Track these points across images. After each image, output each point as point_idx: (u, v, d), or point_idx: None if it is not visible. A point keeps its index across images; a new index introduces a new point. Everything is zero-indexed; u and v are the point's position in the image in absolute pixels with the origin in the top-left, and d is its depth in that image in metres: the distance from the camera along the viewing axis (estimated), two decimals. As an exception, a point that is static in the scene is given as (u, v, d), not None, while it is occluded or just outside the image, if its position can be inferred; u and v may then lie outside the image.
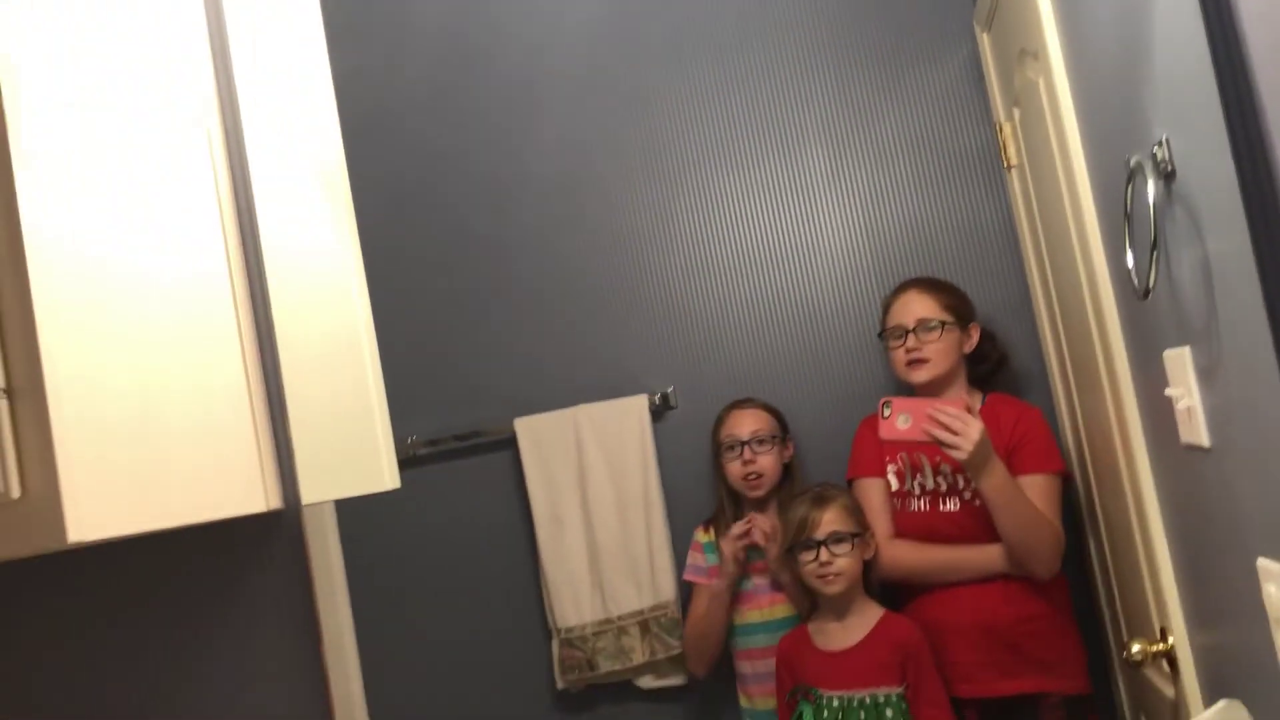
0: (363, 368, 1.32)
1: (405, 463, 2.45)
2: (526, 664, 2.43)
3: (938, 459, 2.03)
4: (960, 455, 1.83)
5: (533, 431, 2.42)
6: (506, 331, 2.49)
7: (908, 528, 2.08)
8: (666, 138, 2.47)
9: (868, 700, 1.90)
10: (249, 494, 1.22)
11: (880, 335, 2.18)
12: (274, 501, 1.25)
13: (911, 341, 2.08)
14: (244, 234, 1.32)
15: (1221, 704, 1.02)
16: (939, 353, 2.07)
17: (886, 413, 1.88)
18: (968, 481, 2.01)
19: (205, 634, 1.37)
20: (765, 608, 2.18)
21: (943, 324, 2.08)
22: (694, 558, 2.28)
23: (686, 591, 2.29)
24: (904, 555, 2.06)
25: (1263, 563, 1.12)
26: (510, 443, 2.44)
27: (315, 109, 1.32)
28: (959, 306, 2.13)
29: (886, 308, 2.18)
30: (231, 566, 1.37)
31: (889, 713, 1.89)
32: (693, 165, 2.46)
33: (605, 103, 2.49)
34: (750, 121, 2.45)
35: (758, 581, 2.19)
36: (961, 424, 1.83)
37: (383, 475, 1.34)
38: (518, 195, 2.50)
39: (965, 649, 1.99)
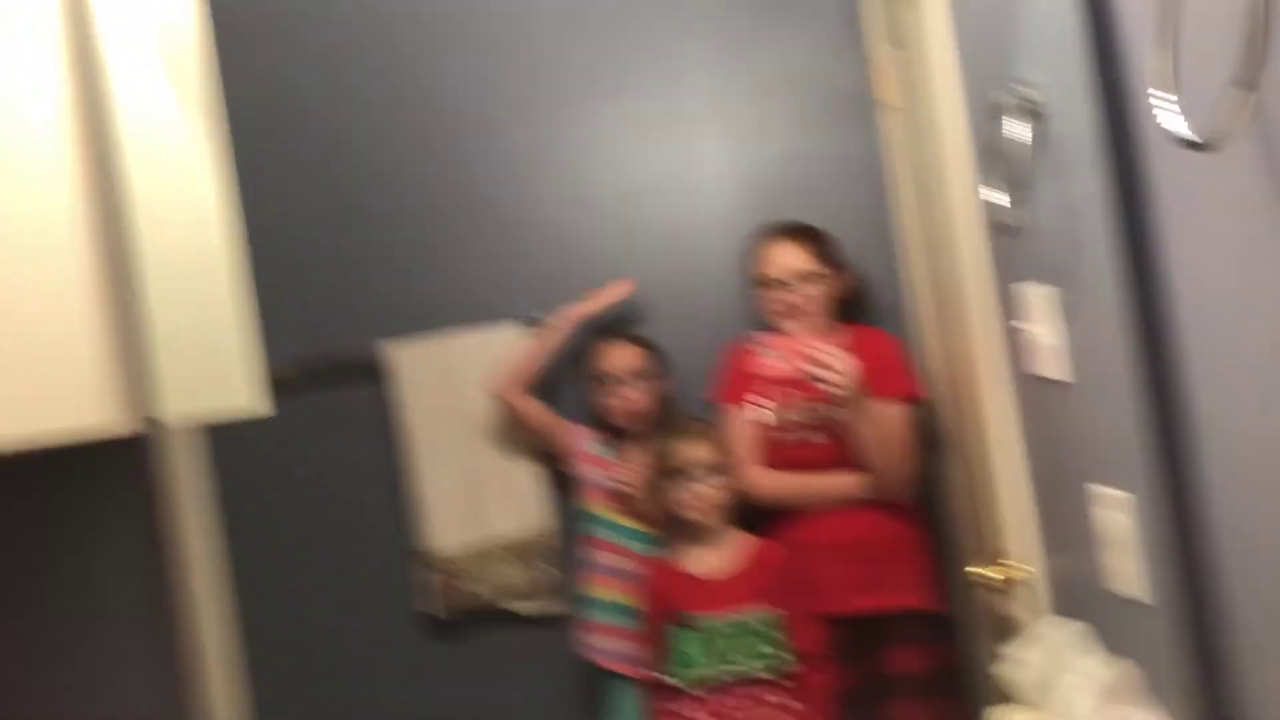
0: (227, 285, 1.27)
1: (277, 388, 2.39)
2: (403, 593, 2.41)
3: (803, 393, 2.09)
4: (835, 390, 1.88)
5: (406, 357, 2.38)
6: (382, 257, 2.42)
7: (773, 458, 2.13)
8: (547, 62, 2.42)
9: (750, 621, 1.95)
10: (100, 412, 1.15)
11: (751, 280, 2.20)
12: (131, 422, 1.19)
13: (784, 293, 2.11)
14: (95, 127, 1.22)
15: (1063, 622, 1.08)
16: (811, 301, 2.12)
17: (760, 350, 1.91)
18: (831, 416, 2.07)
19: (52, 554, 1.31)
20: (625, 515, 2.22)
21: (816, 275, 2.12)
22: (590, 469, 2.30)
23: (566, 516, 2.32)
24: (771, 482, 2.12)
25: (1107, 491, 1.18)
26: (383, 369, 2.39)
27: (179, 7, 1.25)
28: (827, 254, 2.16)
29: (755, 254, 2.19)
30: (86, 492, 1.31)
31: (771, 631, 1.95)
32: (572, 91, 2.42)
33: (480, 23, 2.43)
34: (630, 53, 2.42)
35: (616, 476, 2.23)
36: (837, 361, 1.88)
37: (249, 398, 1.30)
38: (397, 118, 2.43)
39: (828, 568, 2.07)
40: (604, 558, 2.24)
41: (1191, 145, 0.72)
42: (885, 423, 2.00)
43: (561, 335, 2.24)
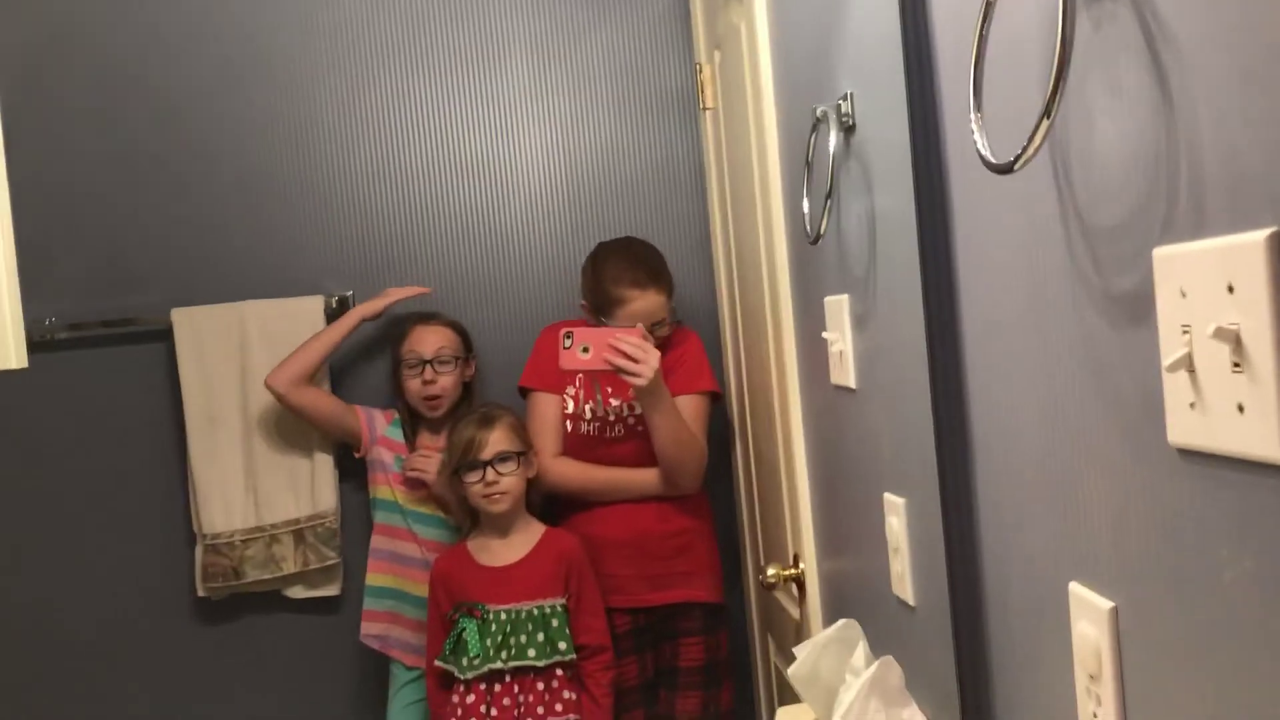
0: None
1: (42, 346, 2.23)
2: (167, 570, 2.28)
3: (609, 388, 2.10)
4: (640, 383, 1.91)
5: (192, 324, 2.25)
6: (173, 215, 2.30)
7: (574, 449, 2.13)
8: (358, 28, 2.34)
9: (535, 611, 1.94)
10: None
11: (599, 317, 2.09)
12: None
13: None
14: None
15: (840, 623, 1.11)
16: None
17: (568, 343, 1.91)
18: (632, 409, 2.09)
19: None
20: (417, 499, 2.20)
21: (665, 318, 2.09)
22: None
23: (353, 499, 2.23)
24: (568, 472, 2.12)
25: (888, 497, 1.23)
26: (165, 334, 2.26)
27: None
28: (670, 288, 2.13)
29: (618, 301, 2.06)
30: None
31: (555, 622, 1.94)
32: (387, 61, 2.35)
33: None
34: (452, 23, 2.37)
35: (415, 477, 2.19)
36: (642, 353, 1.90)
37: (7, 351, 1.19)
38: (195, 66, 2.30)
39: (619, 563, 2.10)
40: (385, 543, 2.19)
41: (994, 168, 0.75)
42: (679, 417, 2.03)
43: (345, 330, 2.18)
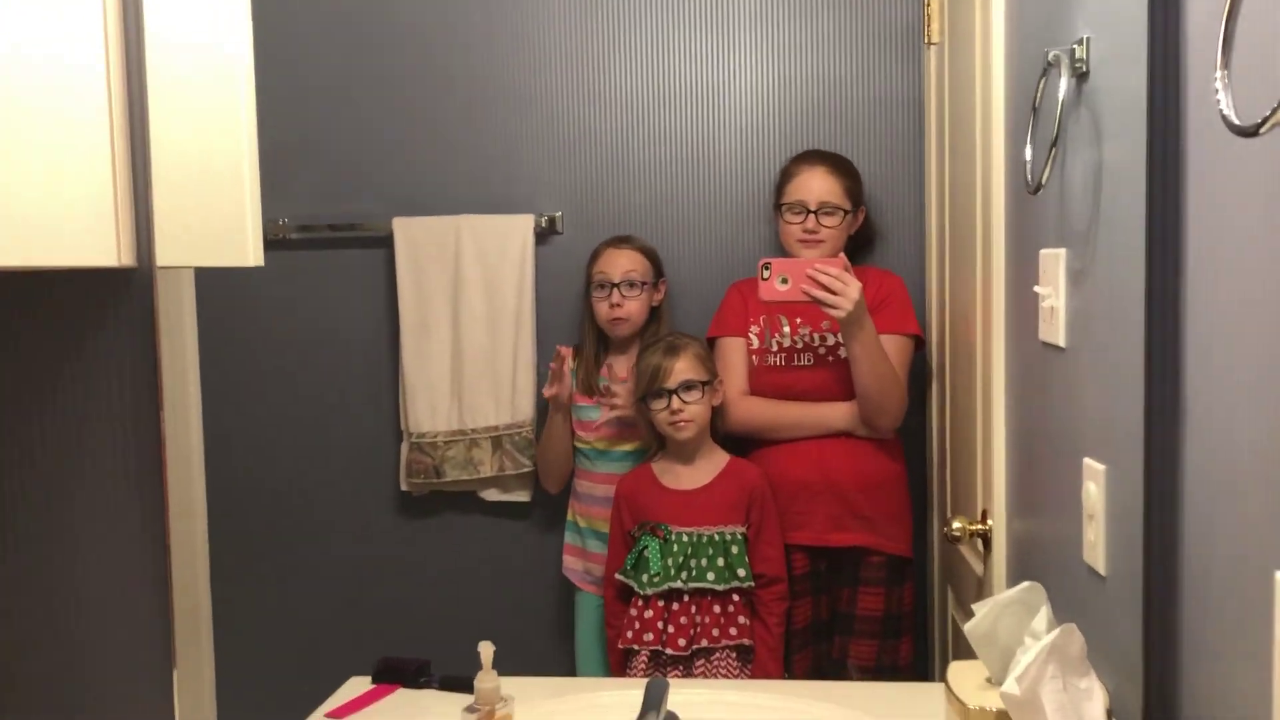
0: (238, 131, 1.25)
1: (274, 244, 2.39)
2: (374, 464, 2.43)
3: (798, 320, 2.08)
4: (839, 314, 1.89)
5: (411, 233, 2.36)
6: (399, 128, 2.40)
7: (764, 383, 2.13)
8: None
9: (715, 537, 1.98)
10: (99, 244, 1.14)
11: (776, 205, 2.18)
12: (126, 257, 1.18)
13: (811, 223, 2.09)
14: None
15: (1024, 585, 1.09)
16: (833, 236, 2.10)
17: (766, 274, 1.90)
18: (823, 339, 2.07)
19: (43, 384, 1.32)
20: (612, 439, 2.22)
21: (844, 211, 2.10)
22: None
23: (545, 405, 2.32)
24: (755, 408, 2.13)
25: (1087, 461, 1.19)
26: (386, 241, 2.38)
27: None
28: (857, 191, 2.15)
29: (788, 177, 2.16)
30: (78, 321, 1.30)
31: (734, 549, 1.97)
32: (611, -15, 2.37)
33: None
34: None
35: (607, 411, 2.23)
36: (841, 284, 1.88)
37: (246, 249, 1.29)
38: (423, 5, 2.38)
39: (803, 499, 2.09)
40: (578, 485, 2.25)
41: (1237, 130, 0.71)
42: (883, 354, 2.00)
43: (565, 419, 2.23)
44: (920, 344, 2.14)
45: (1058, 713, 0.89)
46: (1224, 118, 0.73)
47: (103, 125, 1.15)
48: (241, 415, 2.43)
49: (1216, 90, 0.74)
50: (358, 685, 1.58)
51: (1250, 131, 0.69)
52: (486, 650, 1.16)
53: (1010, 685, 0.90)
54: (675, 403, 2.00)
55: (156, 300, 1.23)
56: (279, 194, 2.37)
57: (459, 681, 1.40)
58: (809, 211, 2.09)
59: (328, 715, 1.46)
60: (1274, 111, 0.66)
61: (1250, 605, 0.82)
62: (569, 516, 2.28)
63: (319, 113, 2.39)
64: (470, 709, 1.16)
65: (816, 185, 2.11)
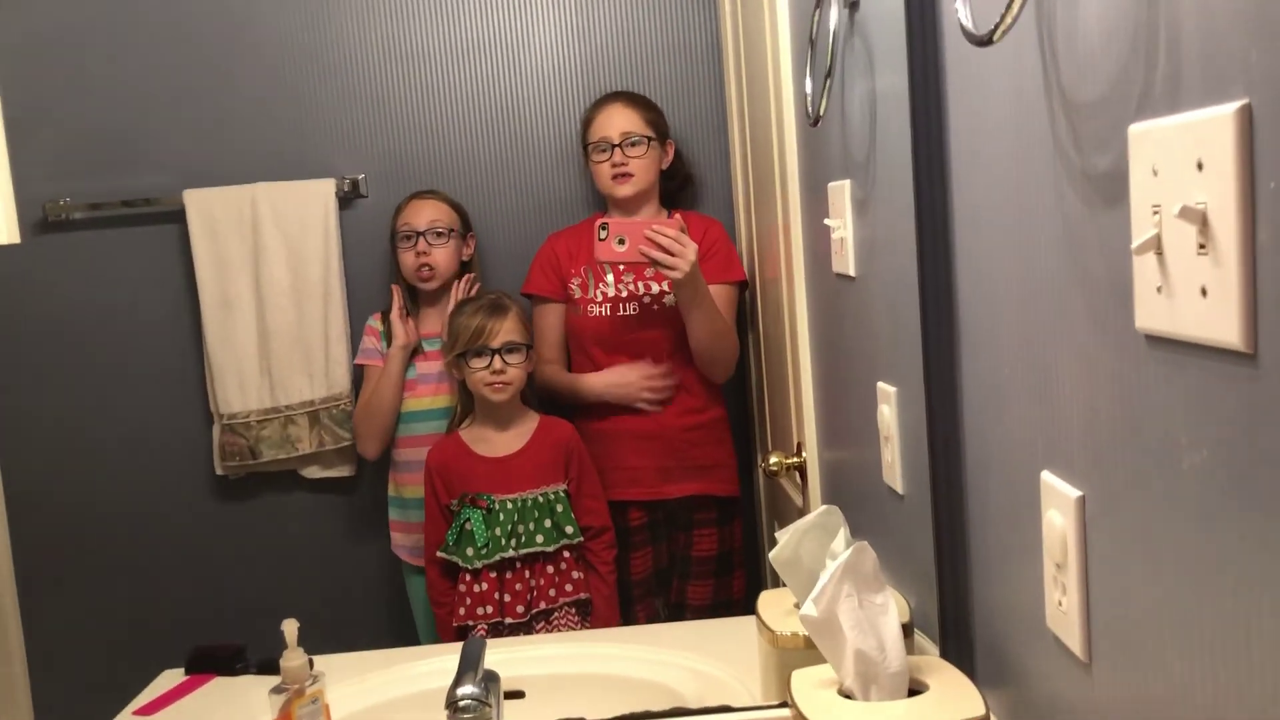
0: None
1: (57, 225, 2.24)
2: (185, 450, 2.32)
3: (621, 267, 2.08)
4: (676, 275, 1.90)
5: (205, 205, 2.25)
6: (186, 98, 2.27)
7: (588, 333, 2.12)
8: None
9: (540, 499, 1.96)
10: None
11: (584, 150, 2.16)
12: None
13: (618, 156, 2.09)
14: None
15: (821, 509, 1.11)
16: (643, 168, 2.10)
17: (603, 234, 1.89)
18: (647, 289, 2.08)
19: None
20: (428, 396, 2.17)
21: (648, 139, 2.11)
22: (368, 341, 2.22)
23: (359, 376, 2.25)
24: (548, 378, 2.14)
25: (881, 385, 1.21)
26: (179, 215, 2.26)
27: None
28: (659, 122, 2.16)
29: (589, 121, 2.16)
30: None
31: (559, 508, 1.96)
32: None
33: None
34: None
35: (422, 370, 2.18)
36: (679, 245, 1.89)
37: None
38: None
39: (635, 455, 2.10)
40: (398, 454, 2.19)
41: (974, 39, 0.72)
42: (715, 309, 2.02)
43: (400, 371, 2.16)
44: (744, 287, 2.16)
45: (854, 629, 0.91)
46: (962, 28, 0.74)
47: None
48: (38, 409, 2.29)
49: (955, 2, 0.75)
50: (171, 678, 1.51)
51: (985, 40, 0.70)
52: (290, 628, 1.11)
53: (808, 608, 0.92)
54: (497, 363, 1.97)
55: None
56: (60, 173, 2.23)
57: (277, 665, 1.34)
58: (614, 145, 2.09)
59: (135, 714, 1.39)
60: (1002, 18, 0.67)
61: (1023, 506, 0.85)
62: (390, 492, 2.22)
63: (89, 79, 2.25)
64: (277, 689, 1.11)
65: (617, 119, 2.11)
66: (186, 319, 2.29)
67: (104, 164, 2.28)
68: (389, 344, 2.17)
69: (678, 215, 2.03)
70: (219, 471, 2.29)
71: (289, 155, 2.29)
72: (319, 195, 2.26)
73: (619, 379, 2.09)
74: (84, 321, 2.30)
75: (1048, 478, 0.80)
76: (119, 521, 2.32)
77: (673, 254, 1.89)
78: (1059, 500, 0.77)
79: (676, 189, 2.23)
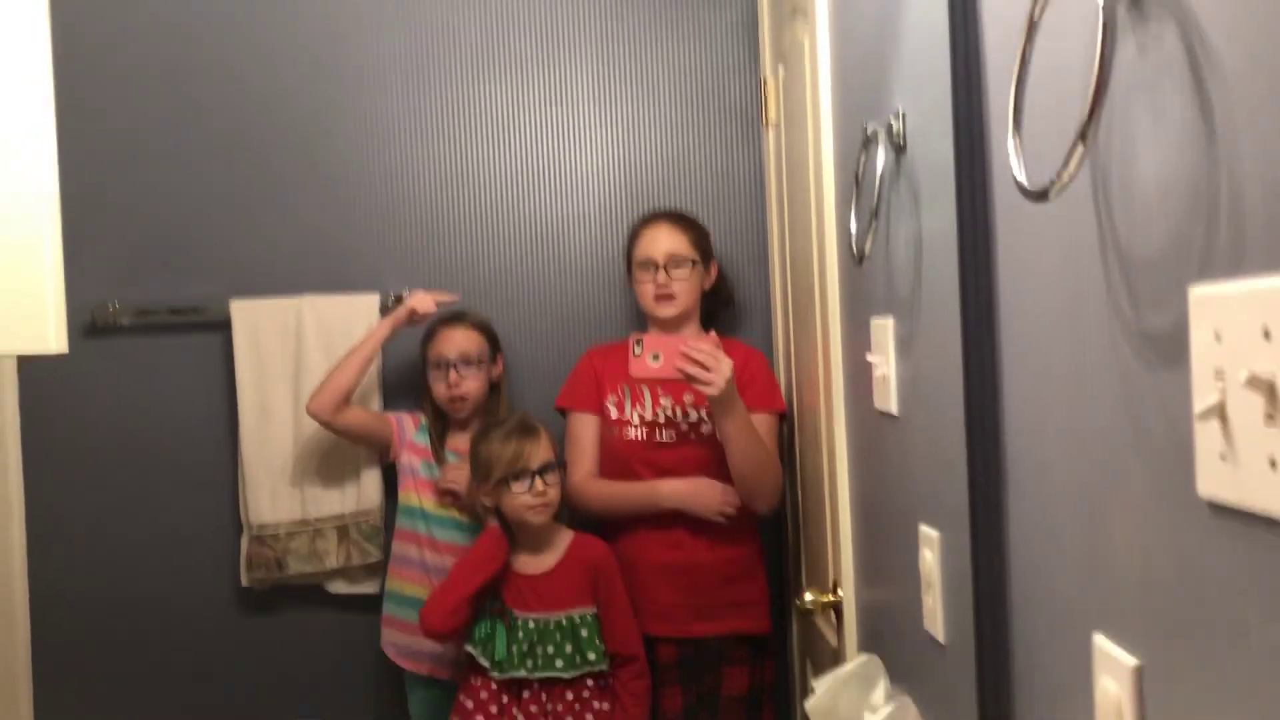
0: (36, 215, 1.17)
1: (105, 331, 2.27)
2: (213, 559, 2.31)
3: (659, 390, 2.07)
4: (712, 392, 1.86)
5: (250, 316, 2.28)
6: (238, 208, 2.33)
7: (624, 458, 2.09)
8: (429, 30, 2.35)
9: (564, 621, 1.92)
10: None
11: (629, 269, 2.18)
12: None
13: (661, 277, 2.09)
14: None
15: (862, 658, 1.07)
16: (685, 290, 2.11)
17: (638, 350, 1.88)
18: (685, 415, 2.06)
19: None
20: (445, 503, 2.18)
21: (692, 262, 2.11)
22: (408, 422, 2.26)
23: (391, 496, 2.24)
24: (604, 489, 2.10)
25: (923, 529, 1.18)
26: (224, 324, 2.29)
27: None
28: (705, 244, 2.17)
29: (635, 236, 2.17)
30: None
31: (584, 632, 1.92)
32: (455, 65, 2.36)
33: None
34: (520, 32, 2.37)
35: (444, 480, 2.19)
36: (714, 361, 1.86)
37: (47, 335, 1.20)
38: (264, 74, 2.33)
39: (666, 590, 2.04)
40: (409, 550, 2.18)
41: (1030, 194, 0.72)
42: (755, 433, 1.98)
43: (378, 342, 2.17)
44: (784, 419, 2.14)
45: (895, 790, 0.86)
46: (1017, 183, 0.73)
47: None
48: (70, 510, 2.30)
49: (1010, 156, 0.75)
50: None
51: (1041, 195, 0.69)
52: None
53: (847, 765, 0.88)
54: (538, 485, 1.94)
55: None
56: (108, 278, 2.27)
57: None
58: (658, 266, 2.09)
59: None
60: (1059, 174, 0.66)
61: (1074, 667, 0.81)
62: (388, 586, 2.19)
63: (145, 190, 2.30)
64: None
65: (663, 240, 2.12)
66: (224, 427, 2.30)
67: (154, 271, 2.32)
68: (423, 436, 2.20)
69: (713, 333, 2.01)
70: (244, 583, 2.27)
71: (336, 269, 2.33)
72: (363, 309, 2.28)
73: (705, 488, 2.03)
74: (122, 425, 2.32)
75: (1101, 641, 0.76)
76: (141, 627, 2.30)
77: (708, 368, 1.87)
78: (1114, 668, 0.74)
79: (718, 309, 2.23)
